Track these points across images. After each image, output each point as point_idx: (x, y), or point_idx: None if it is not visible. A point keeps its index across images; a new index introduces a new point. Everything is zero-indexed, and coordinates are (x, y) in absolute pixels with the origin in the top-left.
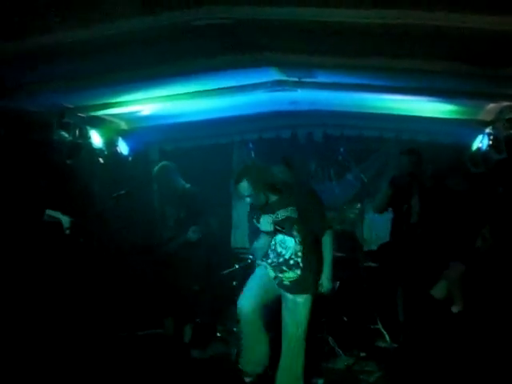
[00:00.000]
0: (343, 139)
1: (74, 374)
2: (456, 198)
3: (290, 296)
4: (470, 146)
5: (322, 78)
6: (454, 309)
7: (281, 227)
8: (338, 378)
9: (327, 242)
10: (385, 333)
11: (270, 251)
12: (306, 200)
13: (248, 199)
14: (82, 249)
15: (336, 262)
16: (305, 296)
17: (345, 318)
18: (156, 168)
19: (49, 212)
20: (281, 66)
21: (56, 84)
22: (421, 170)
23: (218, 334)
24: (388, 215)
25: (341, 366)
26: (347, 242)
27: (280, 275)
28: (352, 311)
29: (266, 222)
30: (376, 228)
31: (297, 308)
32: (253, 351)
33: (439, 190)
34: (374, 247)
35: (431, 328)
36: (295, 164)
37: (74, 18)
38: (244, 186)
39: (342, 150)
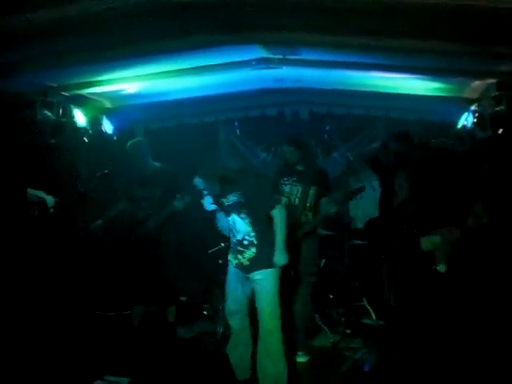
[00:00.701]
0: (330, 117)
1: (62, 352)
2: (444, 176)
3: (251, 276)
4: (456, 123)
5: (306, 55)
6: (437, 267)
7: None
8: (324, 355)
9: (276, 218)
10: (370, 310)
11: (230, 231)
12: (252, 184)
13: (205, 191)
14: (66, 228)
15: (322, 241)
16: (263, 272)
17: (331, 296)
18: (128, 145)
19: (33, 191)
20: (265, 43)
21: (38, 63)
22: (409, 150)
23: (205, 313)
24: (374, 194)
25: (326, 343)
26: (333, 220)
27: (239, 256)
28: (338, 289)
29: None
30: (362, 206)
31: (259, 285)
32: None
33: (427, 168)
34: (361, 225)
35: (417, 304)
36: (304, 143)
37: None
38: (198, 182)
39: (328, 128)
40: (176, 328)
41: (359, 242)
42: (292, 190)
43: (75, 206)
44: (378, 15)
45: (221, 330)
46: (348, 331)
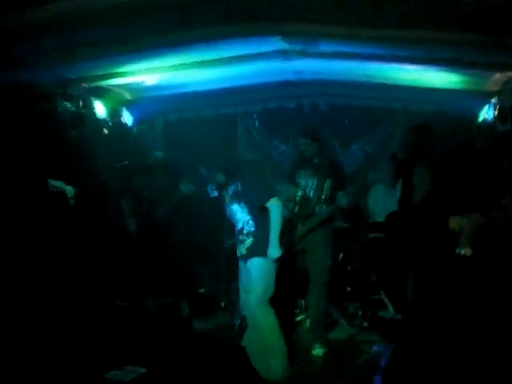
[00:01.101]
0: (349, 109)
1: (74, 343)
2: (466, 169)
3: (244, 265)
4: (476, 116)
5: (325, 47)
6: (459, 250)
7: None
8: (341, 347)
9: (272, 210)
10: (388, 303)
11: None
12: (248, 177)
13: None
14: (86, 218)
15: (340, 233)
16: (254, 259)
17: (348, 289)
18: (133, 132)
19: (52, 182)
20: (284, 35)
21: (58, 55)
22: (430, 143)
23: (222, 304)
24: (392, 187)
25: (343, 335)
26: (351, 213)
27: (241, 246)
28: (355, 282)
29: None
30: (382, 200)
31: (250, 271)
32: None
33: (448, 162)
34: (380, 219)
35: (436, 297)
36: (320, 136)
37: None
38: (203, 170)
39: (346, 120)
40: (191, 320)
41: (376, 235)
42: (307, 182)
43: (94, 197)
44: (396, 6)
45: (238, 322)
46: (365, 324)
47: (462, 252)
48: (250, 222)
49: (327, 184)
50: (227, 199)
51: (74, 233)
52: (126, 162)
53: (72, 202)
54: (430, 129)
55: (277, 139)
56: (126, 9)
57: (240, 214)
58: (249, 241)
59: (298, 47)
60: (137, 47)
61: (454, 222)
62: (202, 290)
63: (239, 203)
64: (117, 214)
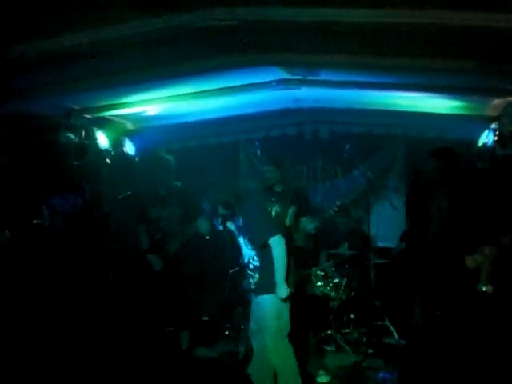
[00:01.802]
0: (349, 136)
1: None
2: (475, 194)
3: (255, 299)
4: (476, 141)
5: (325, 76)
6: (480, 287)
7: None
8: (346, 374)
9: (274, 248)
10: (393, 329)
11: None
12: (250, 211)
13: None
14: (89, 249)
15: (344, 260)
16: (263, 297)
17: (352, 316)
18: (154, 160)
19: None
20: (285, 65)
21: (62, 86)
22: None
23: (226, 332)
24: (395, 212)
25: (348, 362)
26: (355, 239)
27: (251, 281)
28: (359, 308)
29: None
30: (382, 224)
31: (259, 308)
32: None
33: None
34: (381, 244)
35: (442, 324)
36: (285, 164)
37: (78, 22)
38: (205, 205)
39: (347, 146)
40: (193, 351)
41: (381, 260)
42: (271, 209)
43: (97, 228)
44: (394, 36)
45: (243, 350)
46: (370, 351)
47: (484, 289)
48: (255, 257)
49: (291, 210)
50: (234, 231)
51: (76, 263)
52: (129, 193)
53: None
54: (452, 153)
55: None
56: (128, 41)
57: (245, 249)
58: (256, 276)
59: (298, 76)
60: (138, 79)
61: (471, 261)
62: (205, 318)
63: (243, 238)
64: (134, 246)
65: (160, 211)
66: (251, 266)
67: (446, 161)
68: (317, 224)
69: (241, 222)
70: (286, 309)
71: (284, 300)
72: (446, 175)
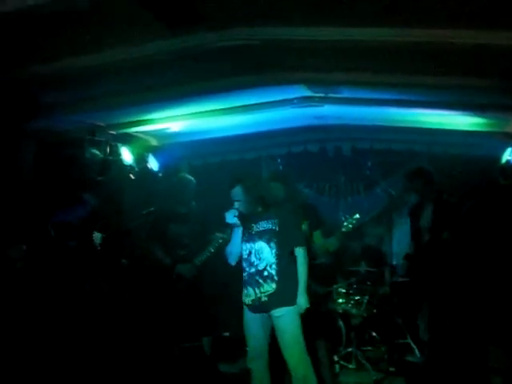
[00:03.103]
0: (372, 153)
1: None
2: (486, 212)
3: (271, 313)
4: (499, 157)
5: (347, 93)
6: None
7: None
8: None
9: (299, 258)
10: (414, 347)
11: (243, 261)
12: (288, 216)
13: (236, 204)
14: (113, 265)
15: (365, 277)
16: (283, 309)
17: (373, 333)
18: (177, 178)
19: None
20: (307, 83)
21: (88, 104)
22: (432, 188)
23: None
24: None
25: (369, 380)
26: (374, 256)
27: (257, 290)
28: (381, 326)
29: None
30: (404, 241)
31: (279, 323)
32: None
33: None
34: (396, 261)
35: (460, 342)
36: (290, 181)
37: (104, 41)
38: (237, 191)
39: (369, 163)
40: (217, 363)
41: (401, 278)
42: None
43: (120, 243)
44: (415, 54)
45: None
46: (391, 369)
47: None
48: (274, 265)
49: (304, 226)
50: (253, 231)
51: (101, 278)
52: (153, 209)
53: (99, 248)
54: (426, 174)
55: (301, 183)
56: (151, 60)
57: (266, 254)
58: (269, 287)
59: (320, 94)
60: (163, 96)
61: None
62: (226, 334)
63: (268, 242)
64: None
65: (180, 228)
66: (265, 273)
67: (423, 179)
68: (339, 244)
69: (272, 225)
70: (300, 321)
71: (303, 311)
72: (427, 193)
